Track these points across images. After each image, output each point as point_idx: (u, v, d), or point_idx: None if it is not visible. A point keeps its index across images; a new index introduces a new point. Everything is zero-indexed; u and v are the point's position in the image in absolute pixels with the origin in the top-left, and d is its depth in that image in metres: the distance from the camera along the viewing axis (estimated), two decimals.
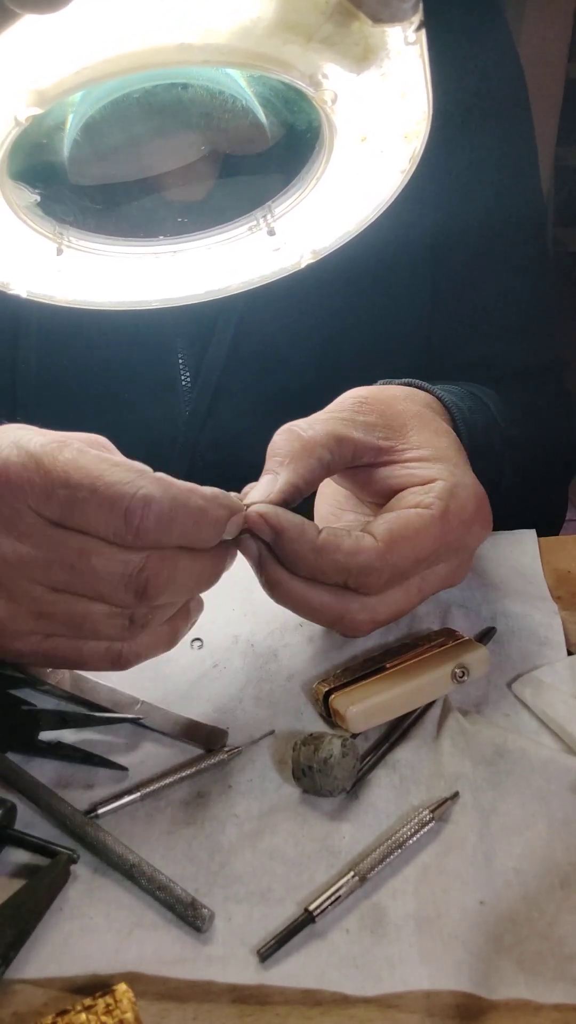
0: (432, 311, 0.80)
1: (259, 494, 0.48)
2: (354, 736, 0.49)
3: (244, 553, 0.49)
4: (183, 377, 0.77)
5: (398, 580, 0.48)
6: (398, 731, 0.50)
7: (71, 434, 0.46)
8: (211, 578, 0.47)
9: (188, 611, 0.49)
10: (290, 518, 0.46)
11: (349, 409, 0.52)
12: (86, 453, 0.43)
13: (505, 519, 0.67)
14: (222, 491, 0.46)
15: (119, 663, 0.46)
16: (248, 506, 0.47)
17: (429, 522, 0.47)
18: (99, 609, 0.44)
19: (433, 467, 0.50)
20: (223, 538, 0.46)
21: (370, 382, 0.79)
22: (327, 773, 0.45)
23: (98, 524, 0.42)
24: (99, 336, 0.72)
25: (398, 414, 0.53)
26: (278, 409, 0.78)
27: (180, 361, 0.76)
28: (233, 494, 0.48)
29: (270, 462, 0.50)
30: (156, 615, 0.45)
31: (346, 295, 0.76)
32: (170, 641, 0.48)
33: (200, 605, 0.50)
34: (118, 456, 0.47)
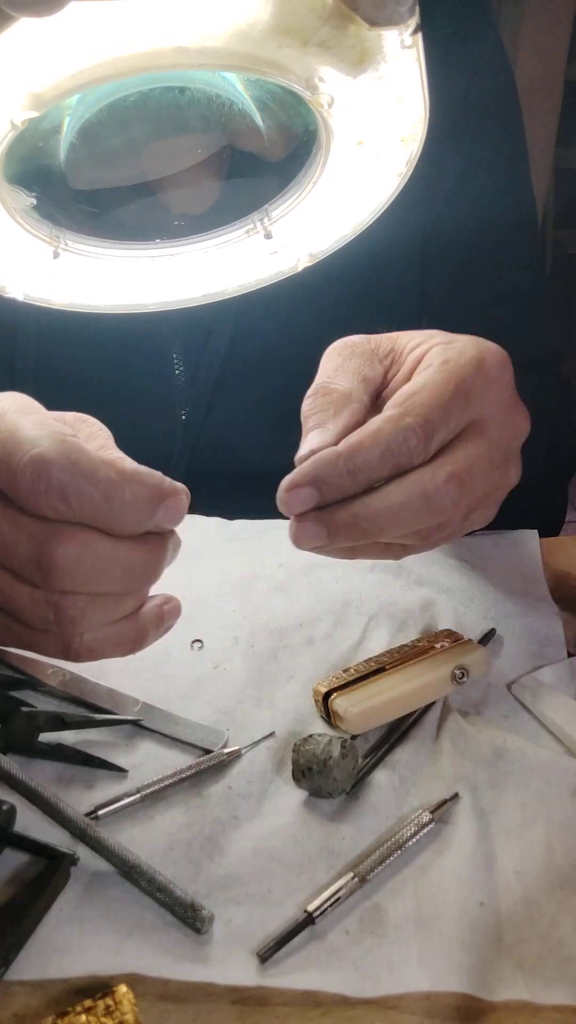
0: (421, 314, 0.80)
1: (315, 442, 0.46)
2: (354, 737, 0.49)
3: (305, 539, 0.45)
4: (179, 378, 0.77)
5: (443, 425, 0.44)
6: (397, 732, 0.50)
7: (55, 414, 0.44)
8: (144, 570, 0.42)
9: (160, 613, 0.44)
10: (316, 460, 0.44)
11: (345, 355, 0.51)
12: (23, 413, 0.41)
13: (508, 519, 0.67)
14: (151, 471, 0.41)
15: (68, 655, 0.42)
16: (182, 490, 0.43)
17: (435, 373, 0.45)
18: (21, 592, 0.40)
19: (430, 340, 0.50)
20: (159, 525, 0.41)
21: None
22: (327, 774, 0.45)
23: (3, 485, 0.39)
24: (95, 337, 0.73)
25: (386, 339, 0.52)
26: (276, 410, 0.78)
27: (175, 361, 0.76)
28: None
29: (313, 420, 0.47)
30: (89, 612, 0.41)
31: (341, 297, 0.76)
32: (136, 640, 0.44)
33: (176, 610, 0.45)
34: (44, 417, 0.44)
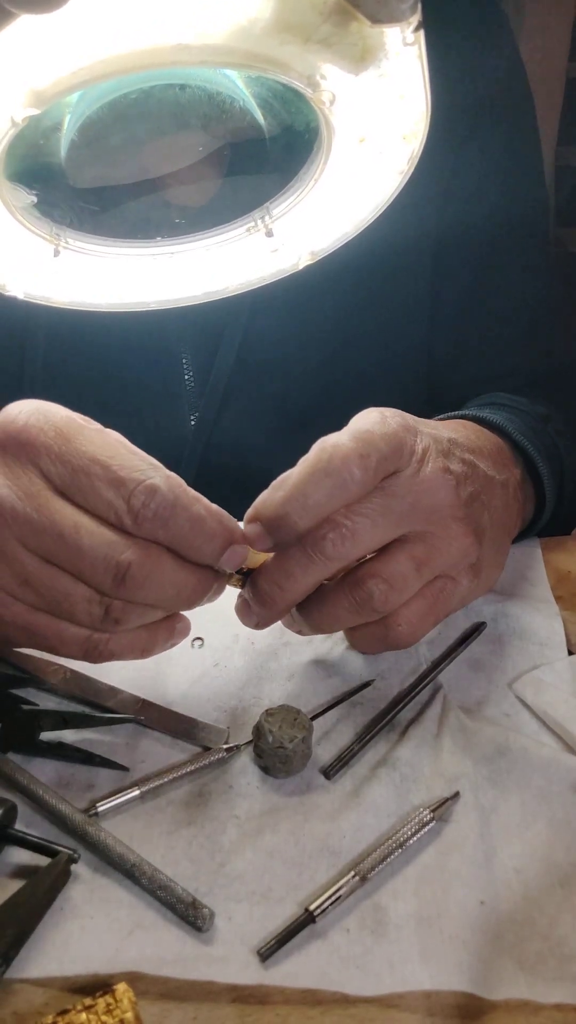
0: (435, 320, 0.80)
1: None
2: (313, 718, 0.49)
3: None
4: (188, 383, 0.77)
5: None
6: (383, 721, 0.50)
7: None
8: (192, 595, 0.46)
9: (172, 628, 0.49)
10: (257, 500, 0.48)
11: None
12: (108, 434, 0.45)
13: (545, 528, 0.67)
14: (228, 514, 0.46)
15: (92, 655, 0.47)
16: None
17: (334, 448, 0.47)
18: (79, 591, 0.44)
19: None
20: (218, 564, 0.46)
21: (376, 391, 0.79)
22: (283, 759, 0.46)
23: (100, 501, 0.43)
24: (104, 343, 0.73)
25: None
26: (286, 415, 0.78)
27: (185, 366, 0.76)
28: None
29: None
30: (131, 615, 0.46)
31: (352, 302, 0.76)
32: (145, 649, 0.48)
33: (186, 629, 0.50)
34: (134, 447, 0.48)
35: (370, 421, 0.48)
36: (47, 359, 0.74)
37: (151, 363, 0.76)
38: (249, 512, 0.48)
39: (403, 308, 0.78)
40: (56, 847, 0.43)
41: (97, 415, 0.76)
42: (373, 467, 0.46)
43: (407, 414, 0.51)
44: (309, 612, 0.50)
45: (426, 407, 0.81)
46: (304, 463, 0.47)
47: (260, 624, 0.50)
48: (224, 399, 0.76)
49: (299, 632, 0.53)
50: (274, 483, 0.47)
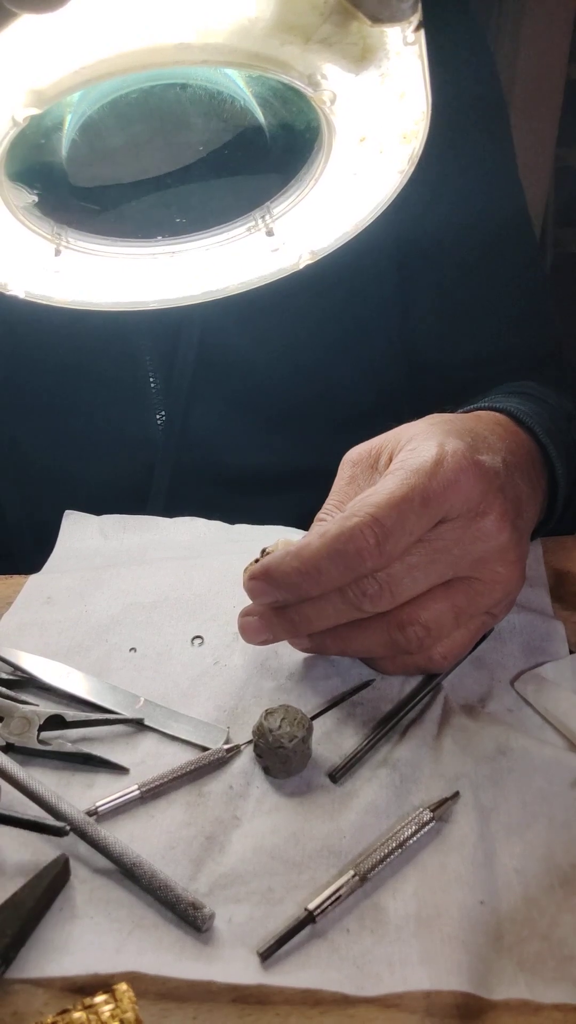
0: (408, 312, 0.80)
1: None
2: (313, 717, 0.49)
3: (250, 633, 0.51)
4: (152, 382, 0.77)
5: (397, 527, 0.45)
6: (387, 725, 0.50)
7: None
8: None
9: None
10: (269, 557, 0.48)
11: (350, 472, 0.55)
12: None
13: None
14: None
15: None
16: None
17: (391, 477, 0.47)
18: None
19: (411, 440, 0.51)
20: None
21: (349, 390, 0.78)
22: (283, 758, 0.46)
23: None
24: (67, 342, 0.73)
25: (389, 444, 0.53)
26: (256, 415, 0.79)
27: (148, 364, 0.77)
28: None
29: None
30: None
31: (309, 296, 0.76)
32: None
33: None
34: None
35: (420, 461, 0.47)
36: (8, 360, 0.74)
37: (114, 363, 0.76)
38: (258, 568, 0.48)
39: (365, 302, 0.78)
40: (46, 824, 0.43)
41: (64, 415, 0.75)
42: (390, 551, 0.46)
43: (476, 442, 0.50)
44: (338, 639, 0.50)
45: (408, 405, 0.80)
46: (323, 537, 0.46)
47: (268, 642, 0.51)
48: (189, 399, 0.77)
49: (306, 650, 0.53)
50: (289, 548, 0.47)
